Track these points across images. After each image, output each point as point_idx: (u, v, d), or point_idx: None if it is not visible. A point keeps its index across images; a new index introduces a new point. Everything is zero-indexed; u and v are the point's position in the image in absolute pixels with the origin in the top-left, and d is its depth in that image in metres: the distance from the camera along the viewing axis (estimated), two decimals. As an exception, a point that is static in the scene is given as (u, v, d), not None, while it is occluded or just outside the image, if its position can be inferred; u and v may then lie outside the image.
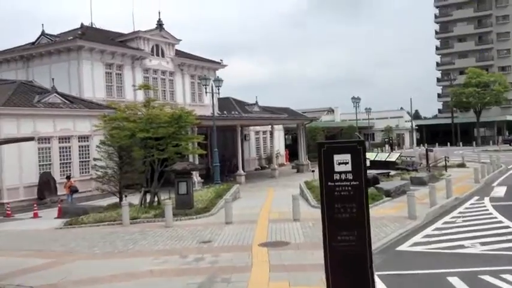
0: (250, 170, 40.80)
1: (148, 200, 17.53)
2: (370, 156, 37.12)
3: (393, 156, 37.92)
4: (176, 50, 39.28)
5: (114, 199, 21.69)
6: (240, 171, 31.80)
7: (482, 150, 51.45)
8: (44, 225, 17.56)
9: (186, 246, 11.17)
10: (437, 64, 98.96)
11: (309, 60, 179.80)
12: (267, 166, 41.18)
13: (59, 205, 21.42)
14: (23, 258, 11.29)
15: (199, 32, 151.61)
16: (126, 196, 21.84)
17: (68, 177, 24.27)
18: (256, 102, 47.84)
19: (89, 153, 27.99)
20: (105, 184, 22.11)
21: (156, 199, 17.59)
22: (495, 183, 23.16)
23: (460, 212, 15.23)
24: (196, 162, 28.06)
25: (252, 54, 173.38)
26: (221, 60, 43.15)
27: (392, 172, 28.70)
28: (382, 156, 37.86)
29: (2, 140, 24.95)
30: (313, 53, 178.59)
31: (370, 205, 16.00)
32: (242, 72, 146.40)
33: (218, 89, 25.04)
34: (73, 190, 23.29)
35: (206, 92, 27.68)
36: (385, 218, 13.86)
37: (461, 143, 69.93)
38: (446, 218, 14.21)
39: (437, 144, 64.95)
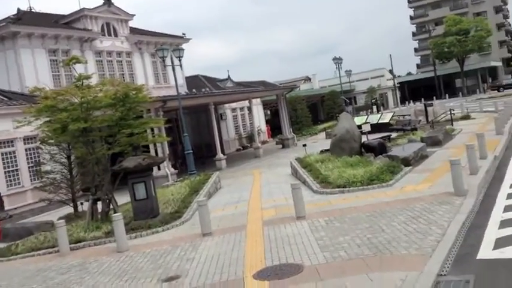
0: (231, 152, 36.84)
1: (100, 210, 13.35)
2: (360, 120, 33.51)
3: (386, 117, 34.46)
4: (131, 27, 34.60)
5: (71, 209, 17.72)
6: (219, 154, 27.76)
7: (475, 99, 48.21)
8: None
9: (140, 292, 7.10)
10: (411, 18, 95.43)
11: (277, 34, 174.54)
12: (249, 145, 37.18)
13: (-1, 226, 17.03)
14: None
15: (157, 15, 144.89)
16: (82, 204, 17.76)
17: None
18: (229, 77, 43.66)
19: (39, 157, 23.53)
20: (52, 193, 18.04)
21: (111, 207, 13.41)
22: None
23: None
24: (167, 152, 23.91)
25: (218, 34, 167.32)
26: (184, 34, 38.49)
27: (393, 135, 25.00)
28: (373, 119, 34.38)
29: None
30: (280, 28, 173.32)
31: (391, 181, 12.10)
32: (209, 54, 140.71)
33: (180, 60, 20.73)
34: None
35: (165, 65, 23.24)
36: (422, 199, 9.99)
37: (447, 96, 66.89)
38: (507, 188, 10.38)
39: (422, 99, 61.67)
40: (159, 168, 23.86)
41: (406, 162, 14.33)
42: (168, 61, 22.30)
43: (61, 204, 19.65)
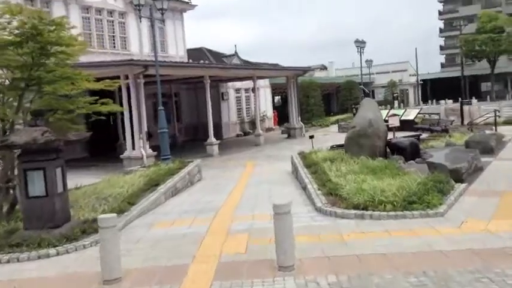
0: (231, 137, 32.38)
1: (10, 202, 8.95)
2: (383, 113, 28.98)
3: (411, 114, 29.70)
4: (128, -17, 30.03)
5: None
6: (211, 138, 23.16)
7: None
8: None
9: None
10: (440, 13, 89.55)
11: (297, 24, 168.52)
12: (251, 131, 32.63)
13: None
14: None
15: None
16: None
17: None
18: (236, 53, 38.86)
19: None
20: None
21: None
22: None
23: None
24: (144, 130, 19.45)
25: (235, 19, 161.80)
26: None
27: (424, 135, 20.39)
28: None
29: None
30: (299, 17, 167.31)
31: (441, 206, 7.57)
32: (223, 36, 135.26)
33: (162, 14, 16.09)
34: None
35: (140, 17, 18.65)
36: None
37: (473, 98, 61.59)
38: None
39: (446, 100, 56.53)
40: (133, 148, 19.64)
41: (457, 175, 9.72)
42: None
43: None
